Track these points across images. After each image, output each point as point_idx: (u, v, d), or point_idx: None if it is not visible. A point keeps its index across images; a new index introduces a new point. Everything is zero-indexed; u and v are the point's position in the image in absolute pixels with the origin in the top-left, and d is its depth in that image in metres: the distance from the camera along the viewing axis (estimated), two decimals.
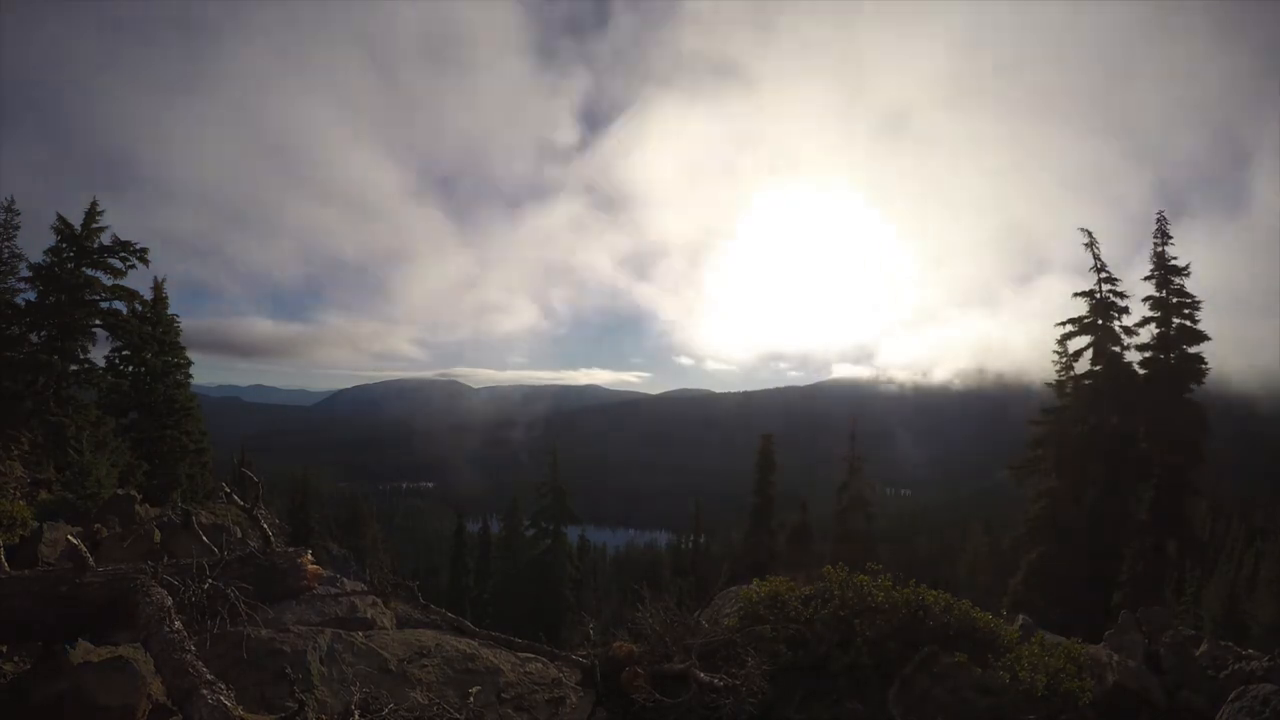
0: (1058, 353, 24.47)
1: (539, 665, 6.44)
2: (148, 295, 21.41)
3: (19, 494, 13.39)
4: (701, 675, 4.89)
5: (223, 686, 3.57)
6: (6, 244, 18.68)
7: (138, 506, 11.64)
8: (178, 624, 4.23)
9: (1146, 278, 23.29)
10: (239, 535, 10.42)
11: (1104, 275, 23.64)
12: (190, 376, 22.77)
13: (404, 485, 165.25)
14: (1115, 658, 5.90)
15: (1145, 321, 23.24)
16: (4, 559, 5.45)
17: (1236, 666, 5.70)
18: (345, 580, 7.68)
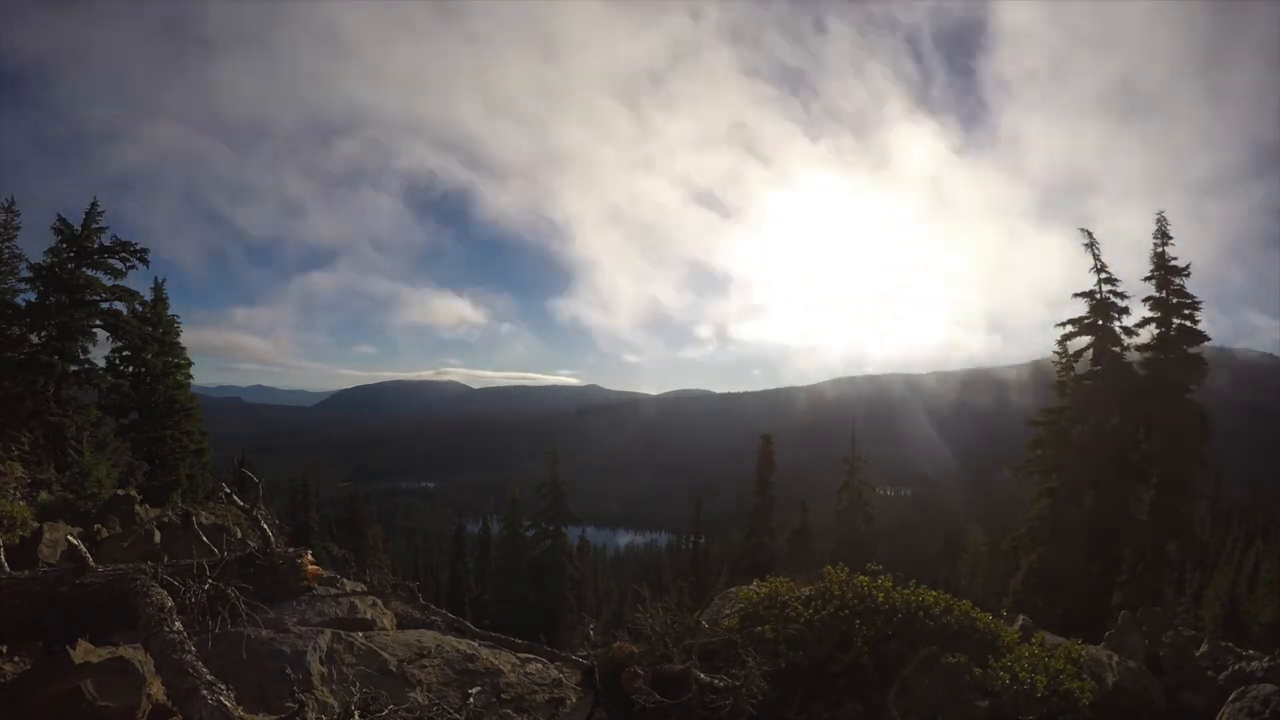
0: (1058, 353, 24.46)
1: (539, 666, 6.45)
2: (148, 295, 21.49)
3: (19, 494, 13.36)
4: (701, 676, 4.88)
5: (223, 687, 3.56)
6: (6, 244, 18.70)
7: (138, 507, 11.66)
8: (178, 624, 4.22)
9: (1146, 278, 23.31)
10: (239, 535, 10.43)
11: (1104, 275, 23.65)
12: (190, 377, 22.86)
13: (404, 485, 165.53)
14: (1115, 658, 5.91)
15: (1145, 322, 23.24)
16: (4, 559, 5.44)
17: (1236, 667, 5.72)
18: (345, 580, 7.68)
